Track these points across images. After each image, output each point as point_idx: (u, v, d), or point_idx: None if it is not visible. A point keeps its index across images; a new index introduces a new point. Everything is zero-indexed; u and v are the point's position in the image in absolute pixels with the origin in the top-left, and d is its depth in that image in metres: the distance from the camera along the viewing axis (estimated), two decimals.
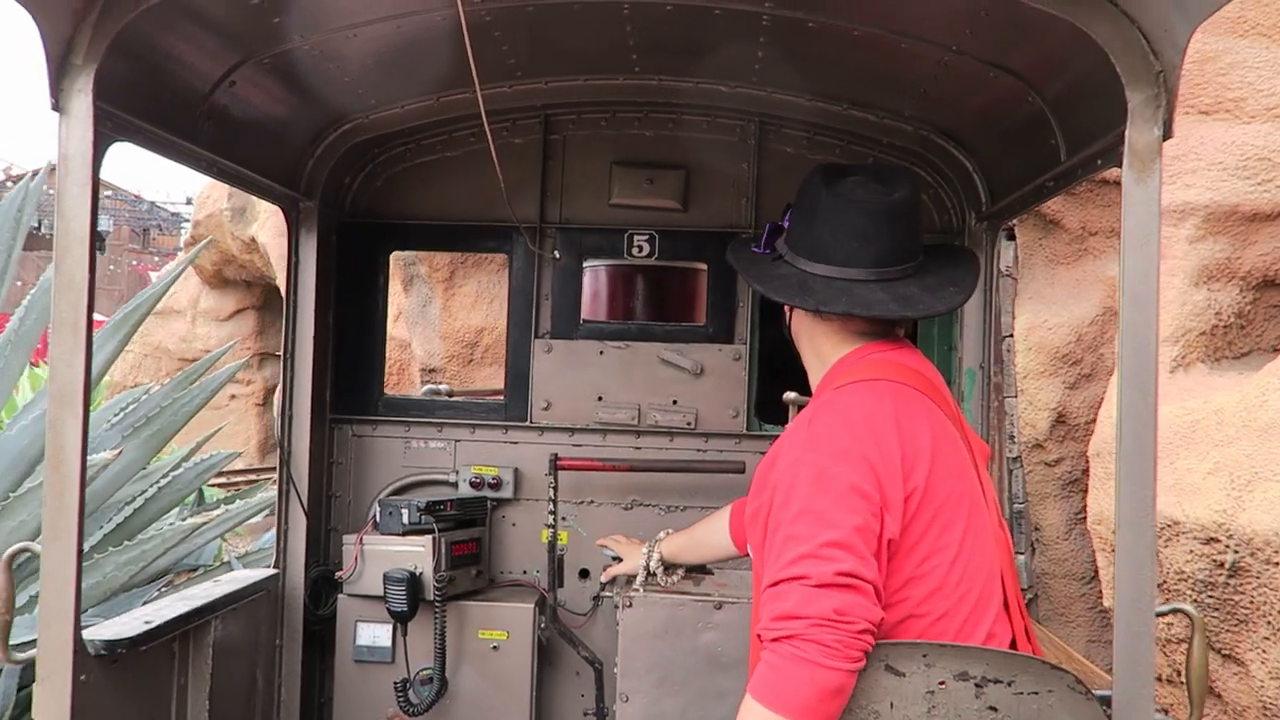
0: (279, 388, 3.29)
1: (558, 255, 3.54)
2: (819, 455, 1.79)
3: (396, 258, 8.03)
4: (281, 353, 3.30)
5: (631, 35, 2.88)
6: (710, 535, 2.86)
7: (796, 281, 2.01)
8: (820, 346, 2.09)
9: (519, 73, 3.27)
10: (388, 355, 8.40)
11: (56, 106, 2.10)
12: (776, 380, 3.60)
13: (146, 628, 2.43)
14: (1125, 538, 1.86)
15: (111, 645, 2.29)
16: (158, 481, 3.93)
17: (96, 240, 2.16)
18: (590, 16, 2.72)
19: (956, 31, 2.35)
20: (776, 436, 3.38)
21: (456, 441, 3.58)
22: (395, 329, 8.71)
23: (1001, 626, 1.93)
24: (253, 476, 13.86)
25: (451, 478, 3.55)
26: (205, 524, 3.68)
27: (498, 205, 3.44)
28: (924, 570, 1.82)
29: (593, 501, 3.55)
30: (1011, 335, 5.85)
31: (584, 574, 3.55)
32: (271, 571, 3.22)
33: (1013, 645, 1.94)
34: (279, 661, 3.26)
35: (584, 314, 3.58)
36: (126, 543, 3.77)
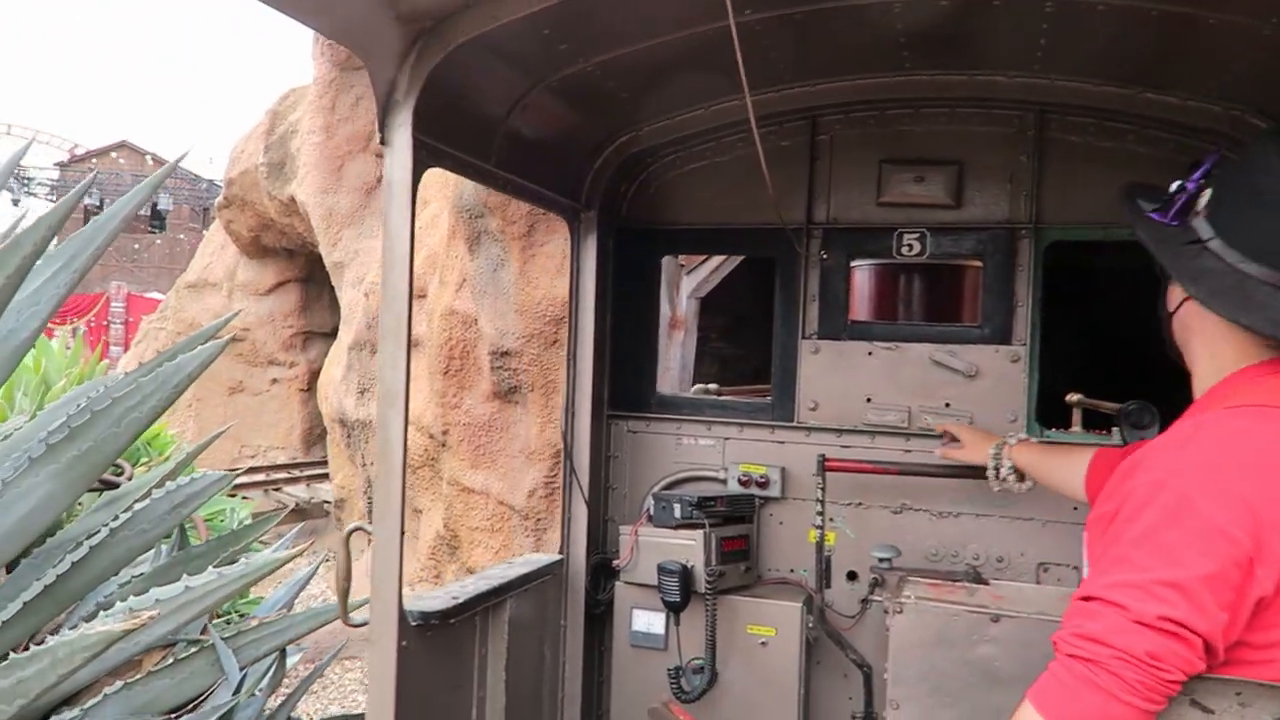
0: (564, 385, 3.53)
1: (824, 256, 3.54)
2: (1186, 482, 1.56)
3: (459, 207, 7.00)
4: (565, 353, 3.55)
5: (903, 33, 2.83)
6: (1063, 468, 2.68)
7: (1233, 284, 1.67)
8: (1220, 351, 1.77)
9: (786, 77, 3.31)
10: (448, 336, 7.42)
11: (383, 141, 2.40)
12: (1059, 383, 3.40)
13: (454, 603, 2.71)
14: None
15: (426, 616, 2.59)
16: (114, 519, 2.22)
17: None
18: (861, 17, 2.71)
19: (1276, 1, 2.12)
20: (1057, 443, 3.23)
21: (725, 440, 3.68)
22: (458, 301, 7.19)
23: None
24: (295, 473, 12.79)
25: (720, 475, 3.66)
26: (131, 631, 1.82)
27: (764, 208, 3.51)
28: None
29: (861, 504, 3.52)
30: None
31: (852, 576, 3.53)
32: (557, 557, 3.48)
33: None
34: (563, 640, 3.51)
35: (852, 314, 3.55)
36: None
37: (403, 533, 2.41)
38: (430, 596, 2.74)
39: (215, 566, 2.29)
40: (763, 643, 3.39)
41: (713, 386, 3.93)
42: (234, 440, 13.93)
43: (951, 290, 3.71)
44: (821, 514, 3.40)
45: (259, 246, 13.86)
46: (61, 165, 42.02)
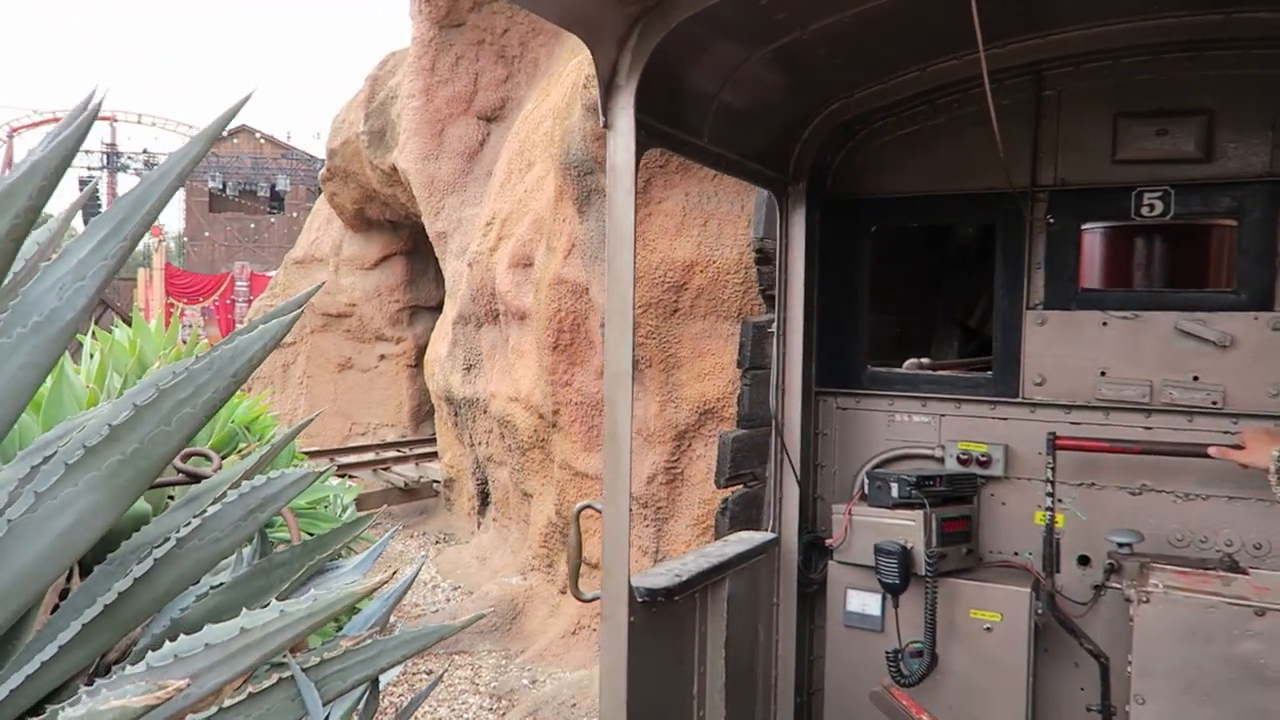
0: (774, 361, 3.48)
1: (1052, 220, 3.31)
2: None
3: (566, 164, 6.24)
4: (775, 329, 3.49)
5: None
6: None
7: None
8: None
9: (1012, 30, 3.11)
10: (557, 307, 6.59)
11: (606, 124, 2.40)
12: None
13: (677, 580, 2.73)
14: None
15: (652, 593, 2.62)
16: (185, 525, 1.91)
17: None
18: None
19: None
20: None
21: (941, 416, 3.53)
22: (566, 268, 6.52)
23: None
24: (404, 451, 12.03)
25: (937, 453, 3.51)
26: (154, 707, 1.43)
27: (981, 172, 3.33)
28: None
29: (1093, 484, 3.29)
30: None
31: (1083, 560, 3.31)
32: (771, 535, 3.44)
33: None
34: (776, 619, 3.49)
35: (1082, 282, 3.31)
36: None
37: (630, 511, 2.43)
38: (654, 574, 2.77)
39: (297, 580, 2.02)
40: (987, 628, 3.25)
41: (925, 361, 3.77)
42: (343, 418, 13.94)
43: (1199, 252, 3.39)
44: (1052, 494, 3.21)
45: (363, 219, 13.33)
46: None
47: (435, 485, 11.08)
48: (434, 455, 11.49)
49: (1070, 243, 3.30)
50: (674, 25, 2.34)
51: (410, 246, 13.39)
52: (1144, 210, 3.17)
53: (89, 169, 39.72)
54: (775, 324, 3.48)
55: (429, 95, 10.99)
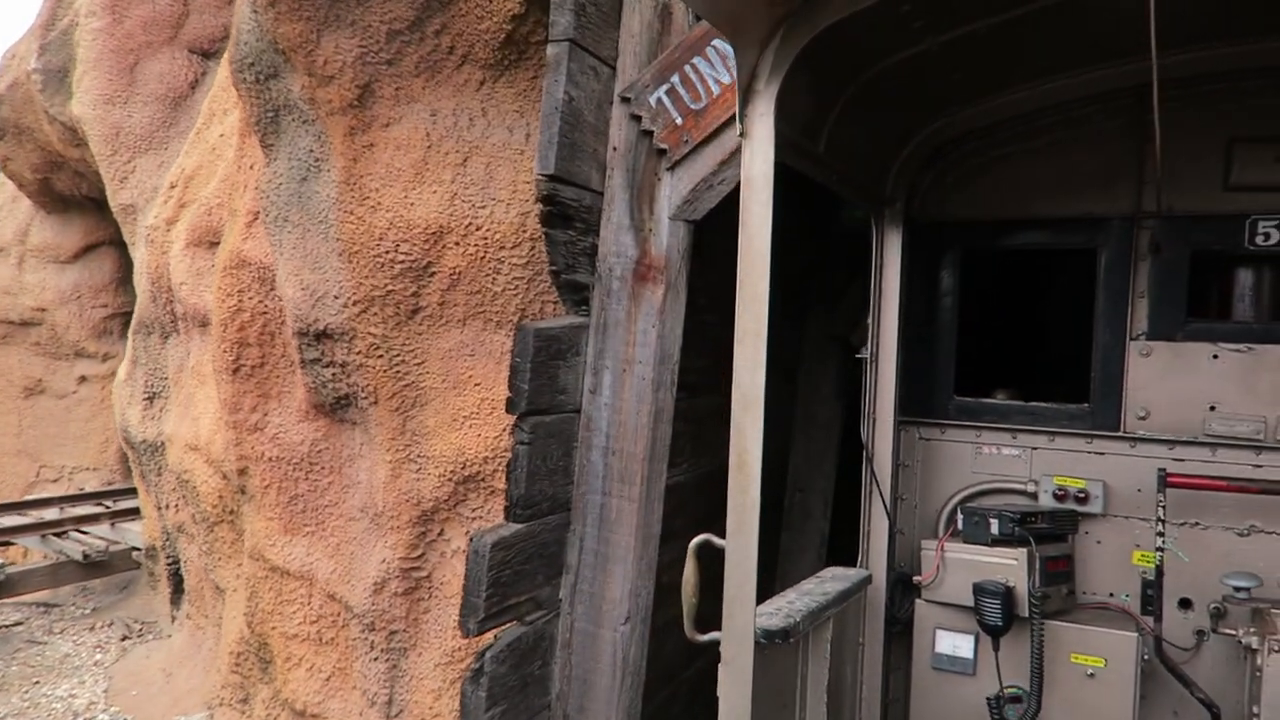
0: (864, 389, 3.32)
1: (1158, 248, 3.19)
2: None
3: (239, 58, 3.80)
4: (866, 355, 3.33)
5: None
6: None
7: None
8: None
9: (1115, 52, 2.99)
10: (237, 304, 4.35)
11: (742, 133, 2.24)
12: None
13: (790, 621, 2.55)
14: None
15: (770, 634, 2.44)
16: None
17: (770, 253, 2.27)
18: None
19: None
20: None
21: (1033, 449, 3.38)
22: (250, 241, 4.38)
23: None
24: (106, 505, 9.02)
25: (1029, 488, 3.36)
26: None
27: (1080, 197, 3.23)
28: None
29: (1198, 524, 3.15)
30: None
31: (1185, 604, 3.17)
32: (865, 572, 3.27)
33: None
34: (860, 659, 3.31)
35: (1191, 313, 3.19)
36: None
37: (755, 549, 2.25)
38: (765, 613, 2.59)
39: None
40: (1090, 674, 3.09)
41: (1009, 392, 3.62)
42: (29, 459, 10.58)
43: None
44: (1162, 534, 3.07)
45: (53, 195, 9.95)
46: None
47: (136, 554, 8.17)
48: (138, 512, 8.43)
49: (1178, 272, 3.18)
50: (820, 29, 2.19)
51: (120, 234, 9.60)
52: (1258, 239, 3.06)
53: None
54: (868, 350, 3.33)
55: (117, 15, 8.06)
